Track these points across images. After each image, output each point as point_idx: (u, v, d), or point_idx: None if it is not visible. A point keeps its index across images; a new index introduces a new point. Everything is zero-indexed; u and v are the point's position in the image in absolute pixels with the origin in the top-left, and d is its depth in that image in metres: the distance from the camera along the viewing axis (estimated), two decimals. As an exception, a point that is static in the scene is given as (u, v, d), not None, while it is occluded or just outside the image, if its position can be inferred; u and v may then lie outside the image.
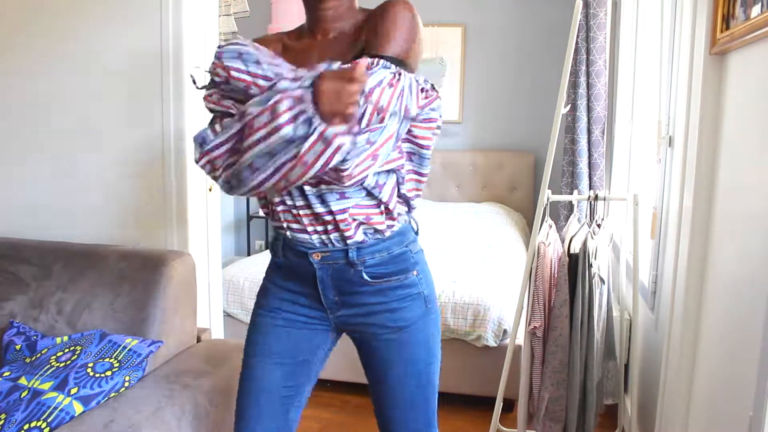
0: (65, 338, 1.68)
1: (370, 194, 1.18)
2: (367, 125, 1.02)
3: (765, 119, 1.25)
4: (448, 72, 4.49)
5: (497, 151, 4.43)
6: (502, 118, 4.47)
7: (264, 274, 1.36)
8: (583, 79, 2.94)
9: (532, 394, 2.14)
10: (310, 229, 1.20)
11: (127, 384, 1.57)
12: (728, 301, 1.42)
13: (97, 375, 1.52)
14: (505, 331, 2.60)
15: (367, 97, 1.01)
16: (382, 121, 1.03)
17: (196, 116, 2.06)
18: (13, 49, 2.08)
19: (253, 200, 4.87)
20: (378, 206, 1.20)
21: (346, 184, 1.10)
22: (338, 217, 1.17)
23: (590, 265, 1.99)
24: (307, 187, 1.16)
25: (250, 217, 4.76)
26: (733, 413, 1.32)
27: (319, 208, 1.17)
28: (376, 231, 1.22)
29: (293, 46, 1.24)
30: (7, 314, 1.80)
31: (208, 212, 2.16)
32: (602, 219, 2.22)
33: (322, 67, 1.03)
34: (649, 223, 2.19)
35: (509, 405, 2.66)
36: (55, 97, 2.07)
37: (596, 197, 2.18)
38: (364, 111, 1.01)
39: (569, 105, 3.03)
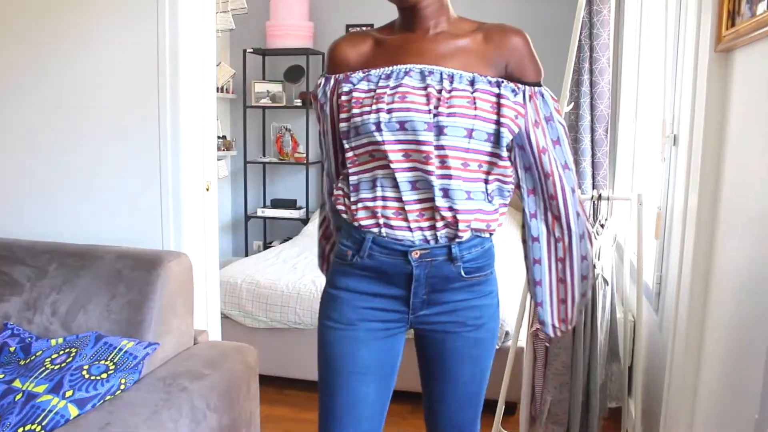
0: (60, 340, 1.66)
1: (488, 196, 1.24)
2: None
3: (773, 117, 1.23)
4: (448, 71, 4.48)
5: (497, 151, 4.41)
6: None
7: (329, 282, 1.30)
8: (586, 77, 2.92)
9: (535, 396, 2.12)
10: (414, 225, 1.19)
11: (123, 387, 1.55)
12: (734, 302, 1.40)
13: (93, 377, 1.51)
14: (507, 333, 2.58)
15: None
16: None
17: (193, 115, 2.05)
18: (10, 49, 2.07)
19: (251, 200, 4.86)
20: (495, 211, 1.26)
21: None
22: (461, 217, 1.18)
23: (593, 266, 1.97)
24: (432, 178, 1.15)
25: (247, 217, 4.74)
26: (739, 416, 1.30)
27: (442, 203, 1.17)
28: (479, 228, 1.24)
29: (388, 41, 1.24)
30: (1, 316, 1.78)
31: (206, 212, 2.15)
32: (606, 219, 2.20)
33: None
34: (653, 223, 2.17)
35: (511, 408, 2.64)
36: (52, 97, 2.06)
37: (600, 197, 2.16)
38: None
39: (572, 103, 3.01)
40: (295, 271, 3.06)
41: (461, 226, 1.19)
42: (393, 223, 1.18)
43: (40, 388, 1.47)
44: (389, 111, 1.13)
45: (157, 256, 1.80)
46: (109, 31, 1.98)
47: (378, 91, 1.15)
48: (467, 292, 1.26)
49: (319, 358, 1.28)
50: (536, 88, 1.21)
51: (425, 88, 1.14)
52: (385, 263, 1.21)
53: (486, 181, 1.22)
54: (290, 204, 4.68)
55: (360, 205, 1.20)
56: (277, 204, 4.72)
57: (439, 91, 1.14)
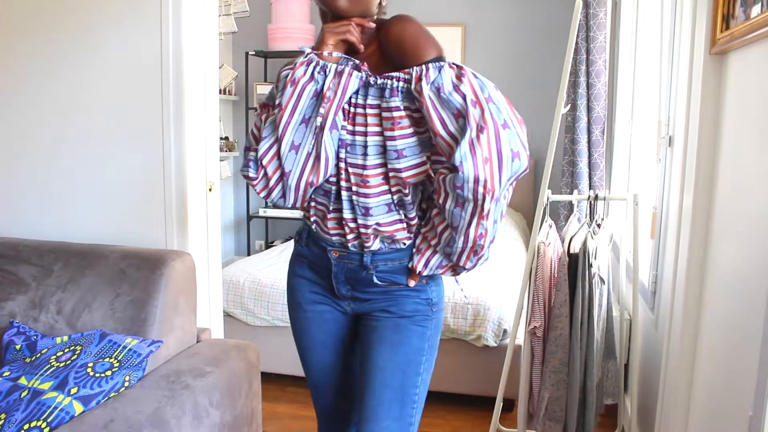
0: (65, 338, 1.68)
1: (396, 208, 1.23)
2: None
3: (765, 119, 1.25)
4: (448, 72, 4.49)
5: (497, 151, 4.42)
6: (502, 118, 4.46)
7: (288, 268, 1.44)
8: (583, 79, 2.94)
9: (532, 393, 2.14)
10: (332, 231, 1.28)
11: (127, 384, 1.57)
12: (728, 301, 1.42)
13: (97, 375, 1.52)
14: (505, 331, 2.60)
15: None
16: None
17: (196, 116, 2.06)
18: (17, 51, 2.08)
19: (253, 201, 4.87)
20: (402, 221, 1.25)
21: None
22: (362, 230, 1.24)
23: (590, 265, 1.99)
24: (344, 192, 1.22)
25: (250, 217, 4.76)
26: (733, 413, 1.32)
27: (348, 215, 1.24)
28: (394, 241, 1.27)
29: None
30: (7, 314, 1.80)
31: (208, 212, 2.16)
32: (602, 219, 2.22)
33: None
34: (649, 223, 2.19)
35: (509, 405, 2.66)
36: (55, 99, 2.07)
37: (596, 197, 2.18)
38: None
39: (569, 105, 3.03)
40: (296, 270, 3.07)
41: (363, 237, 1.24)
42: (320, 223, 1.30)
43: (46, 385, 1.49)
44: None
45: (161, 255, 1.82)
46: (114, 34, 1.99)
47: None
48: (388, 295, 1.31)
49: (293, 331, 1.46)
50: (417, 69, 1.11)
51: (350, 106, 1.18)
52: (314, 254, 1.34)
53: (390, 193, 1.21)
54: (291, 204, 4.69)
55: (310, 203, 1.30)
56: (278, 205, 4.72)
57: (351, 106, 1.18)
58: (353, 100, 1.17)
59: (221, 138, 4.52)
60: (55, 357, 1.60)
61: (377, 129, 1.15)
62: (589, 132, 2.99)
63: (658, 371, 1.89)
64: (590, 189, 2.99)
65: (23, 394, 1.46)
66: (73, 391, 1.47)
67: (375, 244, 1.26)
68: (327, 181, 1.22)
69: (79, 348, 1.62)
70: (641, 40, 2.72)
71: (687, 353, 1.64)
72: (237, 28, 4.31)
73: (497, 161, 1.07)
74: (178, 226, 2.04)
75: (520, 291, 2.18)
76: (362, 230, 1.23)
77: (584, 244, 2.01)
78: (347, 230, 1.25)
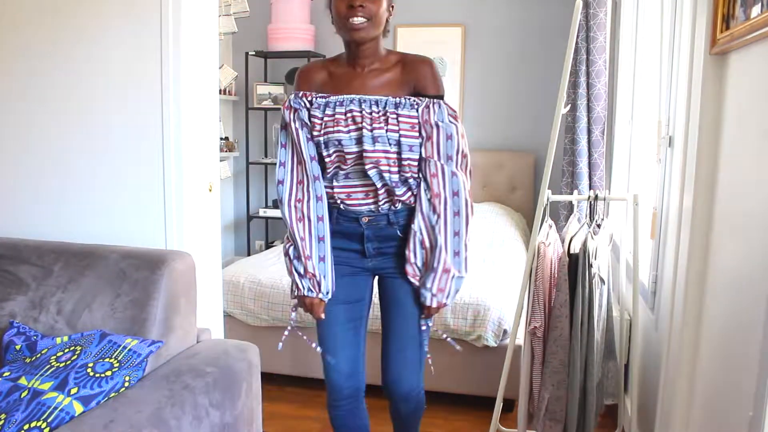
0: (65, 338, 1.68)
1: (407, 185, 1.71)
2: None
3: (765, 119, 1.25)
4: (448, 72, 4.49)
5: (497, 151, 4.43)
6: (502, 118, 4.47)
7: None
8: (583, 79, 2.94)
9: (532, 394, 2.14)
10: (362, 202, 1.69)
11: (127, 384, 1.57)
12: (728, 301, 1.42)
13: (97, 375, 1.52)
14: (505, 331, 2.60)
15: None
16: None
17: (196, 117, 2.06)
18: (13, 50, 2.08)
19: (253, 201, 4.87)
20: (409, 191, 1.72)
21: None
22: (399, 197, 1.70)
23: (590, 265, 1.99)
24: (370, 172, 1.64)
25: (250, 217, 4.76)
26: (733, 413, 1.32)
27: (380, 185, 1.67)
28: (400, 201, 1.71)
29: (336, 74, 1.69)
30: (7, 314, 1.80)
31: (208, 212, 2.16)
32: (602, 219, 2.22)
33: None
34: (649, 223, 2.19)
35: (509, 405, 2.66)
36: (55, 98, 2.07)
37: (596, 197, 2.18)
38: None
39: (569, 105, 3.03)
40: (296, 270, 3.07)
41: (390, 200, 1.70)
42: (347, 201, 1.70)
43: (46, 386, 1.49)
44: (348, 132, 1.61)
45: (161, 255, 1.82)
46: (114, 34, 2.00)
47: (336, 116, 1.62)
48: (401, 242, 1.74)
49: None
50: (433, 100, 1.64)
51: (362, 113, 1.62)
52: (345, 227, 1.73)
53: (400, 173, 1.66)
54: (291, 204, 4.70)
55: (331, 190, 1.72)
56: (279, 205, 4.73)
57: (370, 113, 1.62)
58: (376, 108, 1.62)
59: (221, 138, 4.53)
60: (55, 357, 1.60)
61: (392, 128, 1.63)
62: (589, 132, 2.99)
63: (658, 371, 1.89)
64: (590, 189, 2.99)
65: (23, 394, 1.47)
66: (73, 391, 1.47)
67: (398, 205, 1.70)
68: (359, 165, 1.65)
69: (79, 348, 1.62)
70: (641, 40, 2.72)
71: (687, 353, 1.64)
72: (237, 28, 4.31)
73: (467, 174, 1.71)
74: (178, 227, 2.04)
75: (520, 291, 2.18)
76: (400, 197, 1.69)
77: (584, 244, 2.01)
78: (380, 197, 1.68)
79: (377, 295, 1.83)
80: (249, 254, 4.75)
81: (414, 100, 1.63)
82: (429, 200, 1.67)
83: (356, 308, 1.79)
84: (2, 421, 1.40)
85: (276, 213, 4.69)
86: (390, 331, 1.78)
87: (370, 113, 1.61)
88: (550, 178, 2.07)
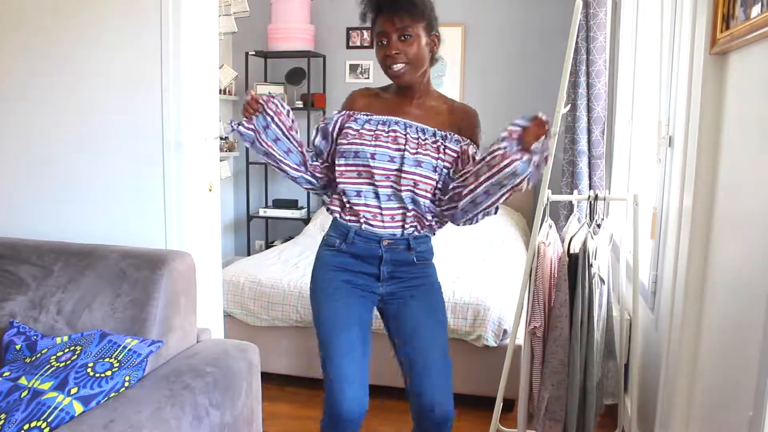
0: (65, 338, 1.68)
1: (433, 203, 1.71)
2: None
3: (765, 119, 1.25)
4: (448, 72, 4.49)
5: (497, 151, 4.42)
6: (502, 118, 4.44)
7: (322, 262, 1.77)
8: (583, 79, 2.94)
9: (532, 394, 2.14)
10: (387, 224, 1.68)
11: (127, 384, 1.57)
12: (728, 301, 1.42)
13: (97, 375, 1.52)
14: (505, 331, 2.60)
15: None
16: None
17: (196, 115, 2.06)
18: (13, 50, 2.09)
19: (253, 201, 4.88)
20: (435, 218, 1.74)
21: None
22: (429, 222, 1.71)
23: (590, 265, 1.99)
24: (405, 194, 1.65)
25: (250, 217, 4.77)
26: (733, 413, 1.32)
27: (410, 208, 1.68)
28: (425, 227, 1.72)
29: (385, 98, 1.73)
30: (7, 314, 1.80)
31: (208, 212, 2.17)
32: (602, 219, 2.22)
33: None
34: (649, 223, 2.19)
35: (509, 405, 2.66)
36: (55, 98, 2.07)
37: (596, 197, 2.18)
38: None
39: (569, 105, 3.03)
40: (297, 270, 3.08)
41: (418, 225, 1.70)
42: (372, 222, 1.68)
43: (46, 386, 1.49)
44: (386, 147, 1.63)
45: (161, 255, 1.82)
46: (114, 34, 2.00)
47: (377, 131, 1.65)
48: (418, 270, 1.74)
49: (318, 317, 1.72)
50: (472, 143, 1.70)
51: (406, 135, 1.65)
52: (362, 248, 1.69)
53: (432, 200, 1.69)
54: (292, 204, 4.70)
55: (350, 206, 1.69)
56: (279, 204, 4.74)
57: (416, 138, 1.65)
58: (423, 135, 1.67)
59: (221, 138, 4.52)
60: (55, 357, 1.60)
61: (435, 155, 1.66)
62: (589, 132, 2.99)
63: (658, 371, 1.89)
64: (590, 189, 2.98)
65: (23, 394, 1.47)
66: (73, 391, 1.47)
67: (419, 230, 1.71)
68: (383, 186, 1.66)
69: (79, 348, 1.62)
70: (641, 40, 2.73)
71: (687, 353, 1.64)
72: (237, 28, 4.31)
73: None
74: (178, 227, 2.04)
75: (520, 291, 2.18)
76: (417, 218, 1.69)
77: (584, 244, 2.01)
78: (407, 221, 1.68)
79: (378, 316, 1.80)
80: (249, 254, 4.75)
81: (459, 137, 1.68)
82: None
83: (368, 330, 1.74)
84: (2, 421, 1.40)
85: (276, 213, 4.69)
86: (416, 356, 1.68)
87: (417, 138, 1.65)
88: (550, 178, 2.07)
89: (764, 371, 1.14)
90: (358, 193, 1.68)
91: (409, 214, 1.67)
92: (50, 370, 1.54)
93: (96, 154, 2.06)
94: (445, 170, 1.65)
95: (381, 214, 1.67)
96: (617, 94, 3.15)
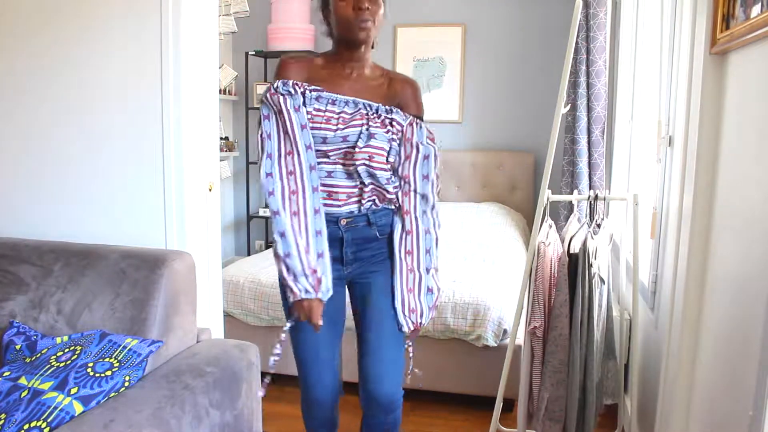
0: (65, 338, 1.68)
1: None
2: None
3: (765, 119, 1.25)
4: (447, 72, 4.50)
5: (497, 151, 4.43)
6: (502, 118, 4.47)
7: None
8: (583, 79, 2.94)
9: (532, 393, 2.14)
10: (342, 203, 1.65)
11: (127, 384, 1.57)
12: (728, 301, 1.42)
13: (97, 375, 1.53)
14: (505, 331, 2.60)
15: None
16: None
17: (196, 117, 2.06)
18: (18, 52, 2.09)
19: (253, 201, 4.87)
20: (395, 188, 1.72)
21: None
22: (389, 195, 1.70)
23: (590, 265, 1.99)
24: (360, 169, 1.63)
25: (250, 217, 4.76)
26: (733, 413, 1.32)
27: (368, 184, 1.66)
28: (384, 200, 1.71)
29: (325, 71, 1.66)
30: (7, 314, 1.81)
31: (208, 212, 2.16)
32: (602, 219, 2.22)
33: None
34: (649, 223, 2.19)
35: (509, 405, 2.66)
36: (55, 99, 2.07)
37: (596, 197, 2.18)
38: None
39: (569, 105, 3.03)
40: (296, 270, 3.07)
41: (375, 197, 1.69)
42: (327, 201, 1.65)
43: (46, 385, 1.49)
44: (335, 130, 1.60)
45: (161, 255, 1.82)
46: (114, 34, 2.00)
47: (326, 113, 1.61)
48: (380, 245, 1.73)
49: (285, 308, 1.73)
50: (416, 119, 1.69)
51: (358, 111, 1.63)
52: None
53: (387, 171, 1.67)
54: (291, 204, 4.69)
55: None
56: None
57: (367, 113, 1.63)
58: (371, 110, 1.65)
59: (221, 138, 4.52)
60: (55, 357, 1.60)
61: (384, 129, 1.66)
62: (589, 132, 2.99)
63: (658, 371, 1.89)
64: (590, 189, 2.98)
65: (23, 394, 1.47)
66: (73, 391, 1.47)
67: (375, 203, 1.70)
68: (344, 164, 1.64)
69: (79, 348, 1.62)
70: (641, 40, 2.73)
71: (687, 353, 1.64)
72: (237, 28, 4.31)
73: (436, 195, 1.77)
74: (178, 226, 2.04)
75: (520, 291, 2.18)
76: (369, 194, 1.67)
77: (584, 244, 2.01)
78: (365, 196, 1.66)
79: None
80: (249, 254, 4.75)
81: (402, 113, 1.68)
82: (401, 236, 1.71)
83: (339, 325, 1.76)
84: (2, 421, 1.40)
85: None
86: (368, 332, 1.71)
87: (367, 114, 1.64)
88: (550, 178, 2.07)
89: (764, 371, 1.14)
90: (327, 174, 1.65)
91: (366, 189, 1.65)
92: (50, 370, 1.54)
93: (96, 154, 2.06)
94: (395, 143, 1.66)
95: (337, 192, 1.65)
96: (617, 94, 3.16)
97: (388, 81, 1.71)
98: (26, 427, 1.39)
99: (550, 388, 2.06)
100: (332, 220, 1.65)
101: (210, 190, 2.15)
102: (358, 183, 1.65)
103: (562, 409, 2.07)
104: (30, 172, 2.13)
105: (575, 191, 2.92)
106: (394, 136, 1.66)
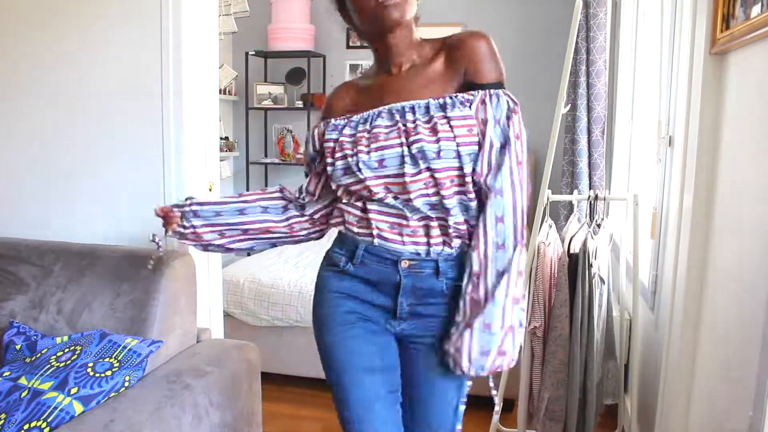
0: (65, 338, 1.68)
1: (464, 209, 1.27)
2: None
3: (765, 119, 1.25)
4: (448, 72, 4.49)
5: (497, 151, 4.42)
6: (502, 118, 4.46)
7: (321, 284, 1.38)
8: (583, 79, 2.94)
9: (532, 394, 2.14)
10: (407, 240, 1.26)
11: (127, 384, 1.57)
12: (728, 301, 1.42)
13: (97, 375, 1.53)
14: (505, 331, 2.59)
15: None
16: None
17: (196, 116, 2.06)
18: (17, 52, 2.09)
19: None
20: (465, 224, 1.28)
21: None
22: (460, 228, 1.26)
23: (590, 265, 1.99)
24: (417, 201, 1.23)
25: (250, 217, 4.76)
26: (733, 413, 1.32)
27: (441, 215, 1.25)
28: (456, 237, 1.27)
29: (368, 86, 1.33)
30: (7, 314, 1.81)
31: (208, 212, 2.16)
32: (602, 219, 2.22)
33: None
34: (649, 223, 2.19)
35: (509, 405, 2.66)
36: (55, 99, 2.07)
37: (596, 197, 2.18)
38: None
39: (569, 105, 3.03)
40: (297, 269, 3.08)
41: (446, 239, 1.26)
42: (386, 234, 1.26)
43: (46, 385, 1.49)
44: (368, 152, 1.23)
45: (161, 255, 1.82)
46: (114, 34, 2.00)
47: (357, 135, 1.25)
48: (445, 303, 1.29)
49: (325, 357, 1.35)
50: (491, 90, 1.24)
51: (395, 125, 1.23)
52: (375, 271, 1.28)
53: (461, 194, 1.25)
54: (291, 204, 4.70)
55: (363, 215, 1.28)
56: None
57: (405, 124, 1.22)
58: (411, 117, 1.23)
59: (221, 138, 4.52)
60: (55, 357, 1.60)
61: (450, 136, 1.21)
62: (589, 132, 2.99)
63: (658, 371, 1.89)
64: (590, 189, 2.98)
65: (23, 394, 1.47)
66: (73, 391, 1.47)
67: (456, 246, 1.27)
68: (400, 192, 1.24)
69: (79, 348, 1.62)
70: (641, 40, 2.73)
71: (687, 353, 1.64)
72: (237, 28, 4.31)
73: (521, 189, 1.28)
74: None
75: (520, 291, 2.17)
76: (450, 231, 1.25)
77: (584, 244, 2.01)
78: (432, 233, 1.25)
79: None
80: (249, 254, 4.75)
81: (463, 96, 1.23)
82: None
83: (394, 377, 1.33)
84: (2, 421, 1.40)
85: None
86: (415, 415, 1.32)
87: (410, 122, 1.22)
88: (550, 178, 2.07)
89: (764, 371, 1.14)
90: (361, 207, 1.29)
91: (433, 224, 1.25)
92: (50, 370, 1.54)
93: (96, 155, 2.06)
94: (466, 148, 1.21)
95: (400, 225, 1.26)
96: (617, 94, 3.15)
97: (446, 53, 1.29)
98: (26, 427, 1.39)
99: (551, 388, 2.06)
100: (390, 259, 1.27)
101: (210, 190, 2.15)
102: (422, 217, 1.25)
103: (562, 409, 2.07)
104: (30, 172, 2.12)
105: (575, 191, 2.92)
106: (467, 139, 1.21)
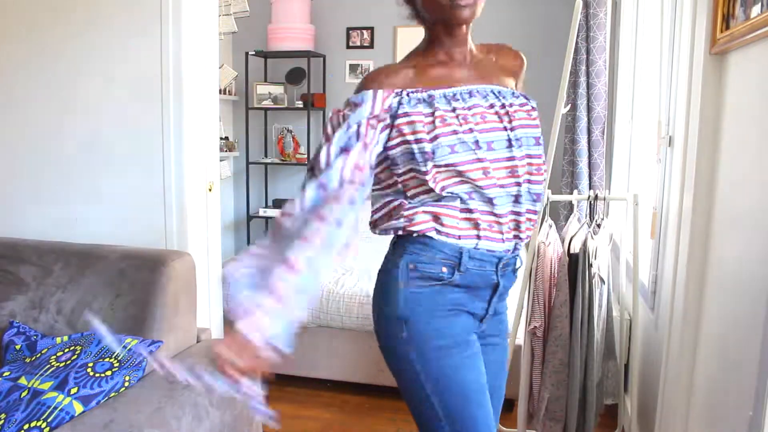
0: (65, 338, 1.68)
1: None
2: None
3: (765, 119, 1.25)
4: (448, 72, 4.49)
5: (497, 151, 4.42)
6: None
7: (422, 306, 1.18)
8: (583, 79, 2.94)
9: (532, 393, 2.14)
10: (506, 236, 1.19)
11: (127, 384, 1.57)
12: (728, 301, 1.42)
13: (97, 375, 1.53)
14: (505, 331, 2.59)
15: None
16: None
17: (196, 117, 2.06)
18: (18, 52, 2.09)
19: (253, 201, 4.87)
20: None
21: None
22: (531, 217, 1.23)
23: (590, 265, 1.99)
24: (523, 187, 1.19)
25: (250, 217, 4.76)
26: (733, 413, 1.32)
27: (531, 207, 1.22)
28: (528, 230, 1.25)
29: (426, 67, 1.23)
30: (7, 314, 1.81)
31: (208, 212, 2.16)
32: (602, 219, 2.22)
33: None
34: (649, 223, 2.19)
35: (509, 405, 2.66)
36: (56, 99, 2.08)
37: (596, 197, 2.18)
38: None
39: (569, 105, 3.03)
40: (296, 270, 3.07)
41: (528, 227, 1.23)
42: (489, 234, 1.17)
43: (46, 385, 1.49)
44: (480, 131, 1.15)
45: (161, 255, 1.82)
46: (114, 34, 2.00)
47: (458, 111, 1.15)
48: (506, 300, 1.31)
49: (444, 386, 1.17)
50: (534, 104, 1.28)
51: (491, 107, 1.19)
52: (477, 276, 1.18)
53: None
54: (291, 204, 4.70)
55: (455, 220, 1.16)
56: (279, 204, 4.74)
57: (502, 107, 1.19)
58: (512, 99, 1.22)
59: (221, 138, 4.52)
60: (55, 357, 1.60)
61: (537, 124, 1.24)
62: (589, 132, 2.99)
63: (658, 371, 1.89)
64: (590, 189, 2.98)
65: (23, 394, 1.47)
66: (73, 391, 1.47)
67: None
68: (507, 177, 1.17)
69: (79, 348, 1.62)
70: (641, 40, 2.72)
71: (687, 353, 1.64)
72: (237, 28, 4.31)
73: None
74: (178, 227, 2.04)
75: (520, 291, 2.18)
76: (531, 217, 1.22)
77: (584, 244, 2.01)
78: (522, 228, 1.20)
79: None
80: (249, 254, 4.74)
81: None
82: None
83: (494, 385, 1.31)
84: (2, 421, 1.40)
85: (275, 213, 4.67)
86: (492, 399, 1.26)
87: (509, 106, 1.19)
88: (550, 178, 2.07)
89: (764, 371, 1.14)
90: (462, 199, 1.15)
91: (522, 218, 1.19)
92: (50, 370, 1.54)
93: (96, 155, 2.06)
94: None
95: (499, 222, 1.17)
96: (617, 94, 3.15)
97: (495, 56, 1.33)
98: (26, 427, 1.39)
99: (551, 388, 2.06)
100: (489, 261, 1.18)
101: (210, 190, 2.15)
102: (512, 210, 1.19)
103: (562, 409, 2.07)
104: (30, 172, 2.13)
105: (575, 191, 2.92)
106: (537, 129, 1.22)
